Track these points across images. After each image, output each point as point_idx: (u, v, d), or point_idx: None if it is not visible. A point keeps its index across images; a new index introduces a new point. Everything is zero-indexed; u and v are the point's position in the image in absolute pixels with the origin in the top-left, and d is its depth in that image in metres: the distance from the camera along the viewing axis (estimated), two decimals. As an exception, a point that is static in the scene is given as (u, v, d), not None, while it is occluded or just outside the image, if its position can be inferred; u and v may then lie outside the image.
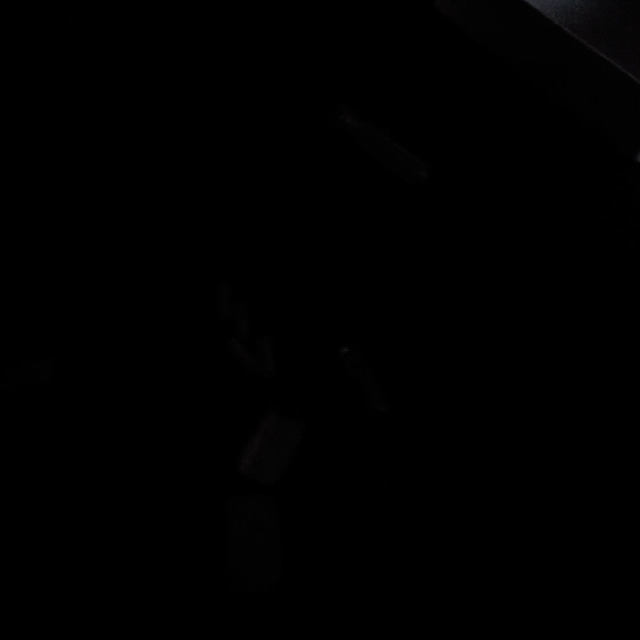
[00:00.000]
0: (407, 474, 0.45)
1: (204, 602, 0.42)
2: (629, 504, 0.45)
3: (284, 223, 0.55)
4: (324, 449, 0.43)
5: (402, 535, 0.44)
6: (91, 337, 0.51)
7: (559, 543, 0.45)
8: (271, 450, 0.45)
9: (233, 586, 0.42)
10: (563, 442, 0.45)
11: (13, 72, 0.56)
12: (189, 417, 0.47)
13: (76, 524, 0.44)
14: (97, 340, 0.51)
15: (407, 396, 0.47)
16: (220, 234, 0.56)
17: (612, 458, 0.47)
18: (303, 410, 0.44)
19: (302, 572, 0.43)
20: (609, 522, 0.45)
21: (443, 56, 0.64)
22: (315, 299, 0.50)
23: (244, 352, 0.44)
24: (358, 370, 0.48)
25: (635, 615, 0.43)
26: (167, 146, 0.60)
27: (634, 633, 0.44)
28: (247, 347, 0.46)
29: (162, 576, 0.43)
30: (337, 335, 0.49)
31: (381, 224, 0.50)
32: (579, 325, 0.48)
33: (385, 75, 0.63)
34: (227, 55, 0.64)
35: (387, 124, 0.56)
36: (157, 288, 0.54)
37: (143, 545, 0.43)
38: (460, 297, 0.47)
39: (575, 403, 0.46)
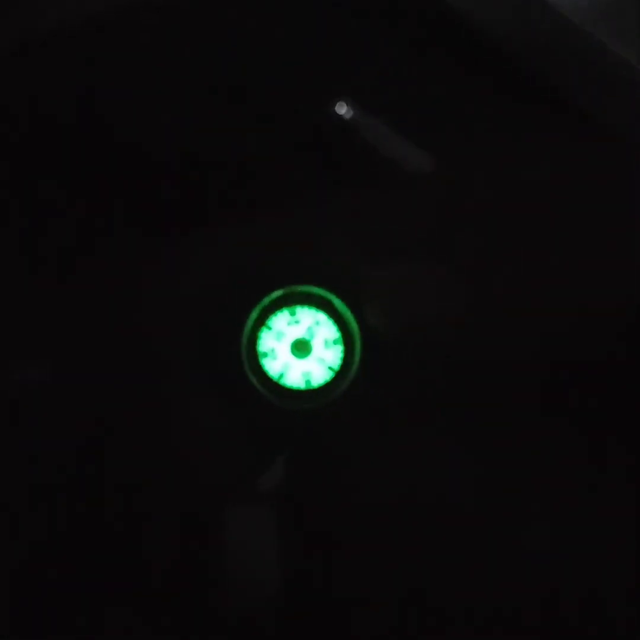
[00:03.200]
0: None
1: (199, 617, 0.40)
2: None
3: (284, 217, 0.46)
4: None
5: (406, 539, 0.39)
6: (94, 333, 0.44)
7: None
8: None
9: (231, 600, 0.41)
10: None
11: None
12: (185, 421, 0.41)
13: (68, 529, 0.41)
14: (100, 337, 0.44)
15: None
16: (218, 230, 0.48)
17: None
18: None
19: (303, 583, 0.41)
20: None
21: (445, 49, 0.57)
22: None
23: None
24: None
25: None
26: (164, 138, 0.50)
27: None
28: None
29: (156, 585, 0.41)
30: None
31: (381, 216, 0.44)
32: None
33: (387, 66, 0.54)
34: (223, 49, 0.53)
35: (388, 116, 0.51)
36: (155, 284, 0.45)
37: (136, 553, 0.41)
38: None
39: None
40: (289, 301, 0.28)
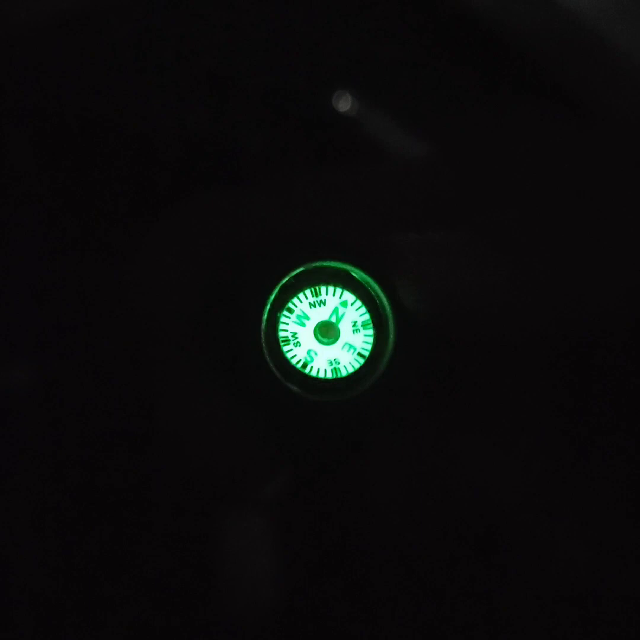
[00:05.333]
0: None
1: (193, 631, 0.39)
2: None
3: (284, 212, 0.45)
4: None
5: (412, 544, 0.38)
6: (80, 334, 0.42)
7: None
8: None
9: (227, 613, 0.40)
10: None
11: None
12: (198, 417, 0.39)
13: (68, 530, 0.40)
14: (86, 339, 0.42)
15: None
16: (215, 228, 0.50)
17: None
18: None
19: (304, 595, 0.39)
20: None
21: (447, 42, 0.54)
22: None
23: None
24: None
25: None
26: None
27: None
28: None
29: (148, 597, 0.39)
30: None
31: (383, 208, 0.42)
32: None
33: (387, 58, 0.52)
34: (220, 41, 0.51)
35: (388, 109, 0.47)
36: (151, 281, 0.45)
37: (129, 564, 0.40)
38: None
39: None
40: (312, 279, 0.26)
